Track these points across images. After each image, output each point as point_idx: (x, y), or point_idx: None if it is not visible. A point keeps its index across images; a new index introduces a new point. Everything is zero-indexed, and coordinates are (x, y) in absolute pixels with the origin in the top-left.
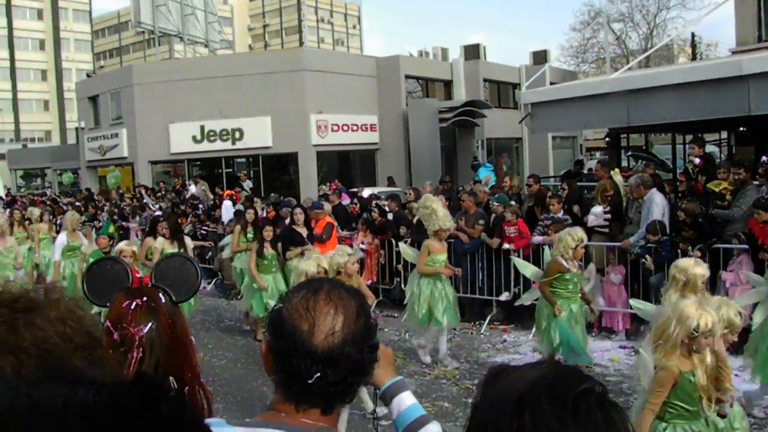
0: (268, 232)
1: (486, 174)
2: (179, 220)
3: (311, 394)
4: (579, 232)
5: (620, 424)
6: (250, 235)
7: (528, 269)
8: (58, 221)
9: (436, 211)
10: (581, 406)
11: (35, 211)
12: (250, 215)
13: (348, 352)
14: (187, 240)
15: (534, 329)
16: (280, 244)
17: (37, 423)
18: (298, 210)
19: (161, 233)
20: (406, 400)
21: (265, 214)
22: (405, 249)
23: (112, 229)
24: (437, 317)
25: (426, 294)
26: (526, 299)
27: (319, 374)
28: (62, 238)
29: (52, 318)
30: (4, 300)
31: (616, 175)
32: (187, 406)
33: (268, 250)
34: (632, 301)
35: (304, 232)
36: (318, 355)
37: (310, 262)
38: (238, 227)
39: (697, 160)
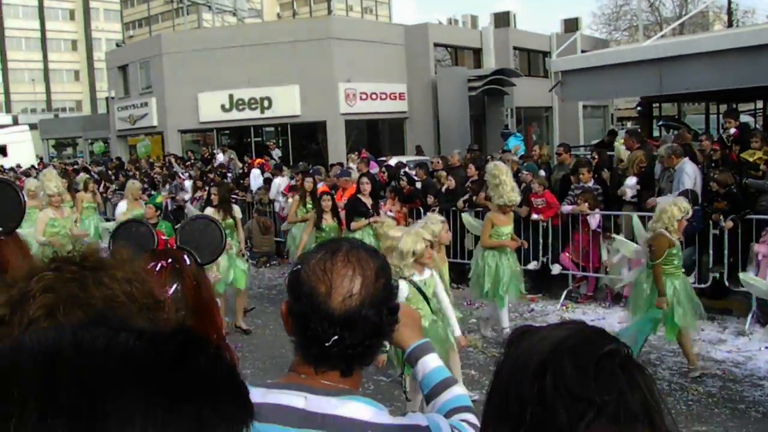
0: (326, 203)
1: (515, 143)
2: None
3: (329, 356)
4: (685, 203)
5: (644, 386)
6: (309, 206)
7: (625, 246)
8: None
9: (504, 183)
10: (605, 368)
11: (84, 177)
12: (309, 184)
13: (366, 315)
14: (236, 210)
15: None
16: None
17: (80, 361)
18: (364, 179)
19: (211, 200)
20: (431, 362)
21: (294, 183)
22: (468, 220)
23: (160, 198)
24: (500, 293)
25: (492, 267)
26: (628, 280)
27: (336, 337)
28: (123, 206)
29: (119, 278)
30: (74, 258)
31: (620, 146)
32: (224, 359)
33: (327, 222)
34: (742, 276)
35: (369, 202)
36: (335, 317)
37: (413, 239)
38: (296, 197)
39: (732, 130)
